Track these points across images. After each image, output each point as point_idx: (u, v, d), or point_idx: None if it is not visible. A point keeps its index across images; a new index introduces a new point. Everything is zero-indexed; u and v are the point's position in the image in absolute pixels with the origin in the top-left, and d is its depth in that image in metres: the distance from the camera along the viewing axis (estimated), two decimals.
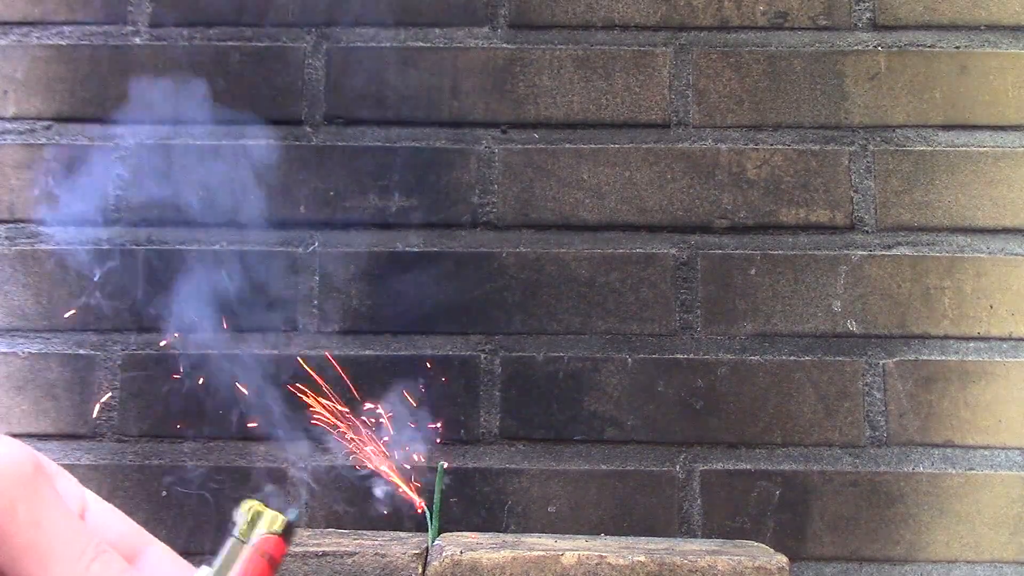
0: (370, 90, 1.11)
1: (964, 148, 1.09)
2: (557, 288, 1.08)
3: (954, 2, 1.11)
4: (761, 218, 1.09)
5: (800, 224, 1.09)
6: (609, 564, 0.79)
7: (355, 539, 0.88)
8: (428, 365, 1.06)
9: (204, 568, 0.45)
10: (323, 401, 0.98)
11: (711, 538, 1.02)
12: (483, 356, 1.06)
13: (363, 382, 1.05)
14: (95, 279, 1.07)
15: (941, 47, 1.11)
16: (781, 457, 1.05)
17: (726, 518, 1.03)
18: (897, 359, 1.06)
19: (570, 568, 0.79)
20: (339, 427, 0.96)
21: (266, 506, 0.47)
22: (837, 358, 1.06)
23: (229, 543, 0.46)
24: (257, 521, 0.47)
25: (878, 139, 1.10)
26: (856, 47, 1.11)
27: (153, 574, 0.41)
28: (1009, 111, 1.09)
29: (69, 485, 0.40)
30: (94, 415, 1.04)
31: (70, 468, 1.05)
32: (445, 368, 1.06)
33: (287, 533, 0.46)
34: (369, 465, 0.92)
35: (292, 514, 0.47)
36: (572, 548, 0.82)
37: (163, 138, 1.10)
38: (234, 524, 0.46)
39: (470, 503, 1.04)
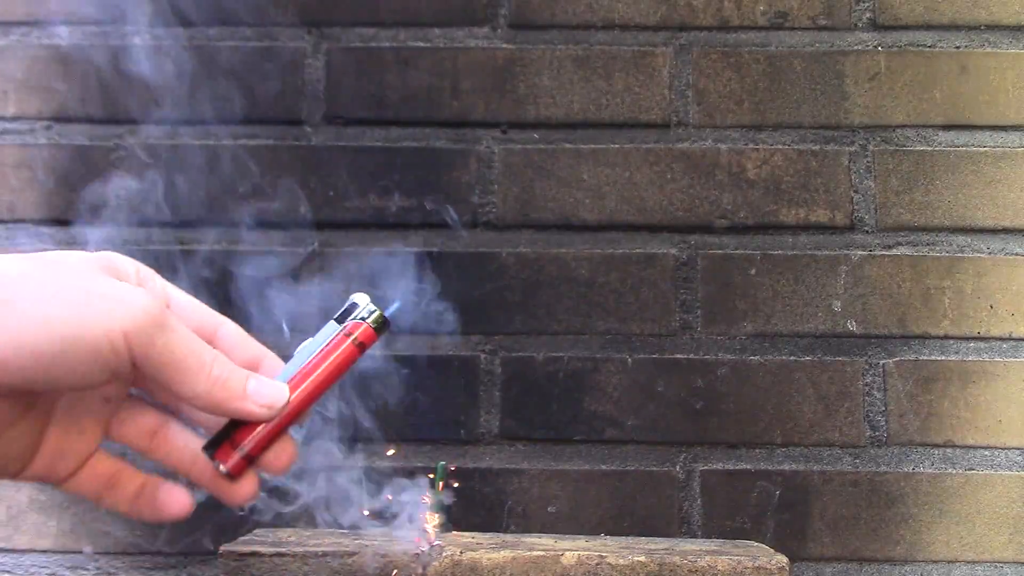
0: (370, 90, 1.11)
1: (964, 148, 1.09)
2: (557, 288, 1.08)
3: (954, 2, 1.11)
4: (761, 218, 1.09)
5: (800, 224, 1.09)
6: (609, 564, 0.79)
7: (355, 539, 0.88)
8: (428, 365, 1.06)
9: (305, 342, 0.55)
10: None
11: (711, 538, 1.02)
12: (483, 356, 1.06)
13: (364, 380, 1.05)
14: None
15: (941, 47, 1.11)
16: (781, 457, 1.05)
17: (726, 518, 1.03)
18: (897, 359, 1.06)
19: (570, 568, 0.79)
20: None
21: (371, 300, 0.57)
22: (837, 358, 1.06)
23: (328, 324, 0.56)
24: (352, 309, 0.56)
25: (878, 139, 1.10)
26: (856, 47, 1.11)
27: (233, 350, 0.55)
28: (1009, 111, 1.09)
29: (166, 287, 0.55)
30: None
31: None
32: (445, 368, 1.06)
33: (379, 326, 0.56)
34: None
35: (389, 310, 0.56)
36: (572, 548, 0.82)
37: (162, 139, 1.10)
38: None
39: (470, 503, 1.04)
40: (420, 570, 0.80)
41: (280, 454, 0.55)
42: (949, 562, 1.02)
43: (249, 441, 0.53)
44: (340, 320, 0.56)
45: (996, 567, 1.02)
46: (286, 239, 1.09)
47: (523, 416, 1.05)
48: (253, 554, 0.79)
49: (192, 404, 0.52)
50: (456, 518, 1.03)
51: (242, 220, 1.09)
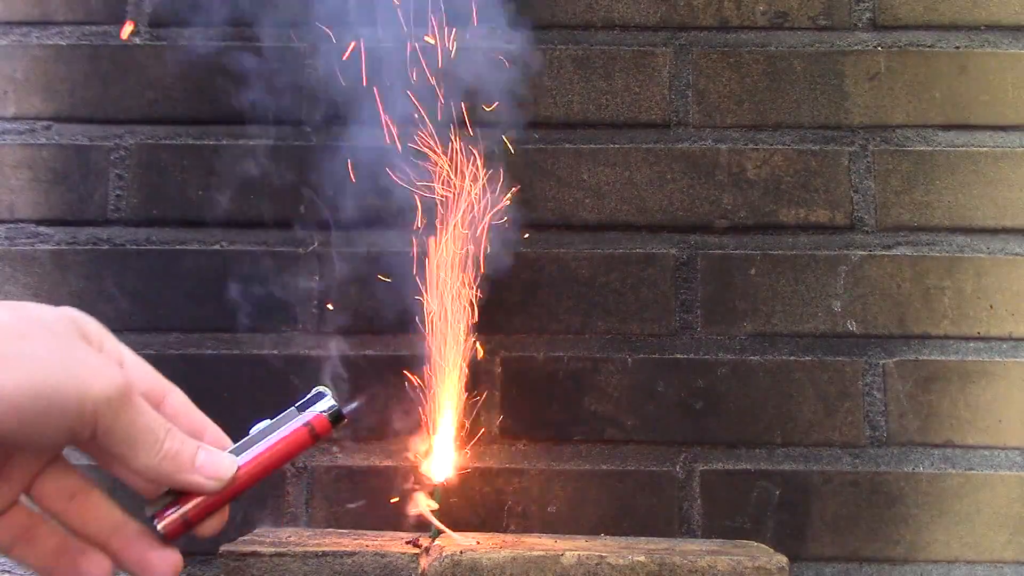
0: (369, 90, 1.11)
1: (964, 148, 1.09)
2: (557, 288, 1.08)
3: (954, 2, 1.11)
4: (761, 218, 1.09)
5: (800, 224, 1.09)
6: (609, 564, 0.79)
7: (355, 539, 0.88)
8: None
9: (262, 422, 0.58)
10: None
11: (711, 538, 1.02)
12: (483, 356, 1.06)
13: (363, 382, 1.05)
14: (95, 278, 1.07)
15: (941, 47, 1.11)
16: (781, 457, 1.05)
17: (726, 518, 1.03)
18: (897, 359, 1.06)
19: (570, 568, 0.79)
20: None
21: (333, 395, 0.59)
22: (837, 358, 1.06)
23: (288, 410, 0.58)
24: (316, 401, 0.58)
25: (878, 139, 1.10)
26: (856, 47, 1.11)
27: (177, 417, 0.56)
28: (1009, 111, 1.09)
29: (121, 350, 0.57)
30: None
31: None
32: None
33: (334, 419, 0.57)
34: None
35: (348, 408, 0.58)
36: (572, 548, 0.82)
37: (163, 138, 1.10)
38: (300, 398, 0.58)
39: (470, 503, 1.04)
40: (420, 570, 0.80)
41: (215, 521, 0.56)
42: (949, 562, 1.02)
43: (192, 507, 0.54)
44: (301, 408, 0.58)
45: (996, 567, 1.02)
46: (286, 238, 1.08)
47: (523, 416, 1.05)
48: (253, 554, 0.79)
49: (141, 475, 0.53)
50: (456, 518, 1.03)
51: (240, 219, 1.09)
